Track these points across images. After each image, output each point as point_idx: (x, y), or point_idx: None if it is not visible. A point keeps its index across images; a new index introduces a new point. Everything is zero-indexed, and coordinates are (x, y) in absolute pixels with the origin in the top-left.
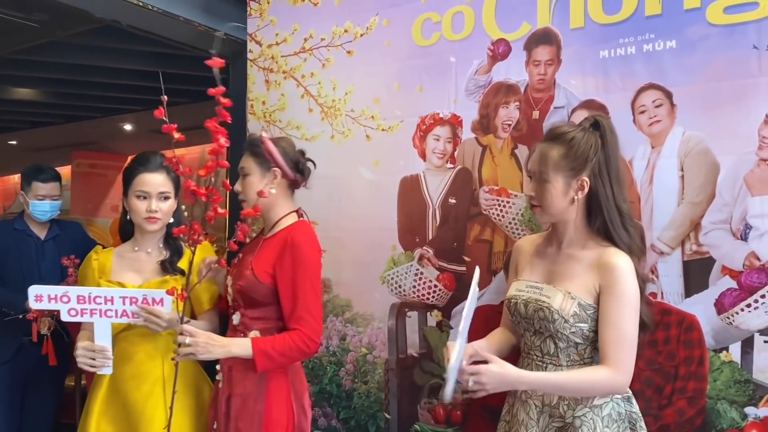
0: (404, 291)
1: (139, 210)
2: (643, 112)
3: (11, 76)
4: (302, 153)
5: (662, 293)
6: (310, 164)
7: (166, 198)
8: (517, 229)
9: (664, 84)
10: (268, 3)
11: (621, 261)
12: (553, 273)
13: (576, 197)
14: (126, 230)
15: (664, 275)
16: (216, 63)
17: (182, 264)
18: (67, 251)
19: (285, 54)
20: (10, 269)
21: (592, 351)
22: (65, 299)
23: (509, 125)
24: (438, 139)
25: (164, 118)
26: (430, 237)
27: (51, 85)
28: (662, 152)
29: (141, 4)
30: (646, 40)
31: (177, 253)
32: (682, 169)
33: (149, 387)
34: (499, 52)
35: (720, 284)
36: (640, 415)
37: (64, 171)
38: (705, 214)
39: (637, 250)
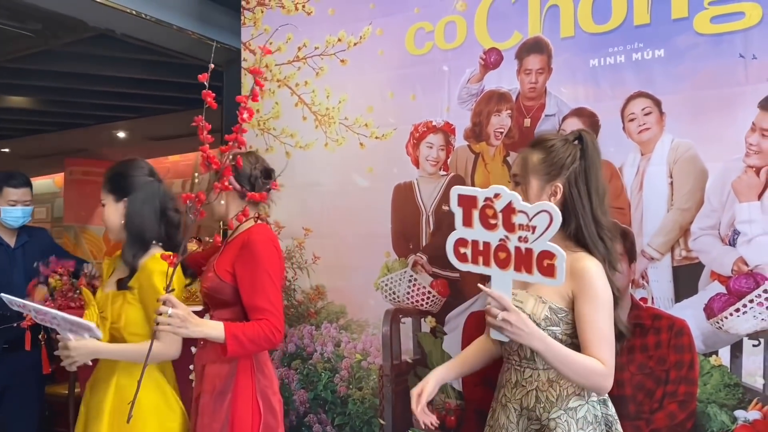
0: (398, 297)
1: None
2: (632, 120)
3: (5, 84)
4: (264, 171)
5: (653, 298)
6: (264, 182)
7: (103, 206)
8: None
9: (653, 92)
10: (262, 12)
11: (591, 265)
12: None
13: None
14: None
15: (654, 280)
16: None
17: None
18: (36, 258)
19: (279, 63)
20: None
21: None
22: (27, 310)
23: (501, 133)
24: (431, 147)
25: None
26: (424, 243)
27: (44, 93)
28: (652, 159)
29: (135, 12)
30: (635, 48)
31: (129, 267)
32: (671, 176)
33: (98, 398)
34: (491, 61)
35: (709, 289)
36: (617, 417)
37: (57, 178)
38: (694, 220)
39: (614, 261)
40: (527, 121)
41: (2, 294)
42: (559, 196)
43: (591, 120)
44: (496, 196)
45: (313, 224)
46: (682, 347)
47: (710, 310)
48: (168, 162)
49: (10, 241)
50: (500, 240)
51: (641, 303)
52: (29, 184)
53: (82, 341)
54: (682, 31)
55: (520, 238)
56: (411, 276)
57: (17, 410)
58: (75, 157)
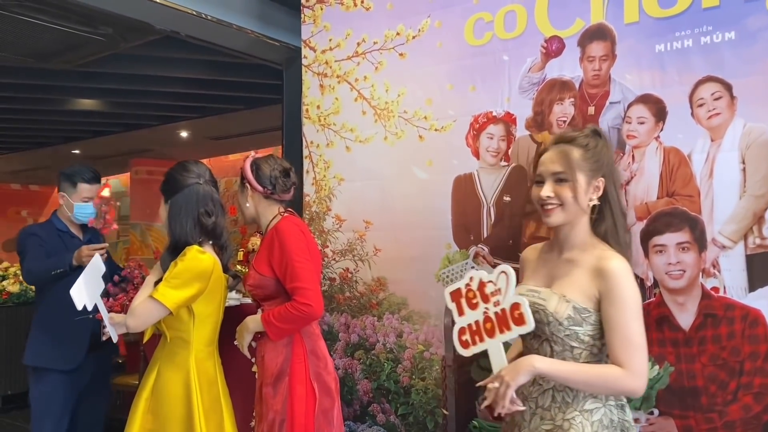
0: None
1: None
2: (701, 105)
3: (76, 87)
4: (283, 170)
5: (725, 288)
6: (288, 180)
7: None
8: None
9: (722, 76)
10: (322, 9)
11: (618, 265)
12: (553, 277)
13: (592, 198)
14: None
15: (726, 269)
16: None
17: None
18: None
19: (338, 59)
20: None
21: (588, 356)
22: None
23: (564, 121)
24: (492, 138)
25: None
26: (485, 235)
27: (112, 95)
28: (722, 145)
29: (196, 13)
30: (703, 32)
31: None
32: (743, 162)
33: (143, 382)
34: (553, 49)
35: None
36: (633, 424)
37: (123, 178)
38: None
39: (629, 258)
40: (591, 109)
41: (72, 291)
42: (601, 191)
43: (657, 106)
44: (471, 279)
45: (373, 217)
46: (757, 338)
47: None
48: (228, 161)
49: (78, 233)
50: (484, 313)
51: (712, 292)
52: (100, 180)
53: None
54: (754, 12)
55: (494, 303)
56: (472, 267)
57: (90, 409)
58: (140, 157)
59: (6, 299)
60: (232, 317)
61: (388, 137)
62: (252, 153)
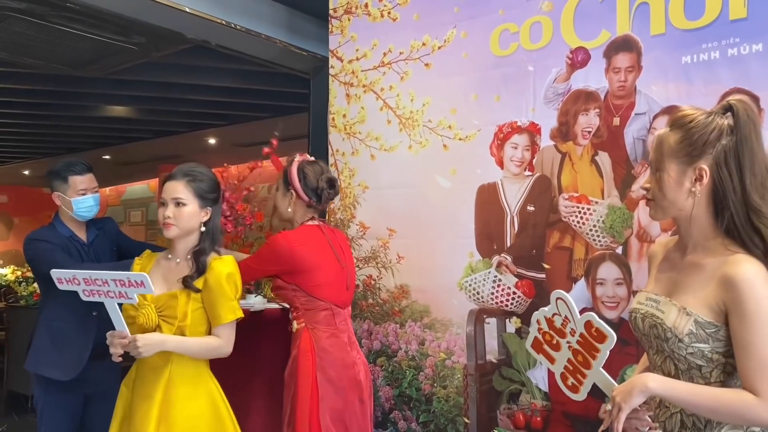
0: (482, 297)
1: (159, 216)
2: None
3: (108, 95)
4: (329, 181)
5: None
6: (332, 192)
7: (181, 205)
8: (598, 236)
9: (749, 88)
10: (349, 20)
11: (744, 272)
12: (675, 283)
13: (694, 189)
14: None
15: None
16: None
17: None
18: (109, 252)
19: (365, 68)
20: None
21: (721, 375)
22: (76, 281)
23: (589, 132)
24: (516, 147)
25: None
26: (509, 244)
27: (142, 102)
28: None
29: (225, 23)
30: (730, 44)
31: (197, 270)
32: None
33: (147, 391)
34: (578, 60)
35: None
36: None
37: (152, 183)
38: None
39: (759, 254)
40: (616, 120)
41: (52, 270)
42: (705, 179)
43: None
44: (538, 322)
45: (397, 225)
46: None
47: None
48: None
49: (82, 235)
50: (569, 349)
51: None
52: (92, 169)
53: (148, 335)
54: None
55: (571, 333)
56: (495, 276)
57: (98, 418)
58: (168, 163)
59: (36, 300)
60: (256, 322)
61: (412, 146)
62: (297, 156)
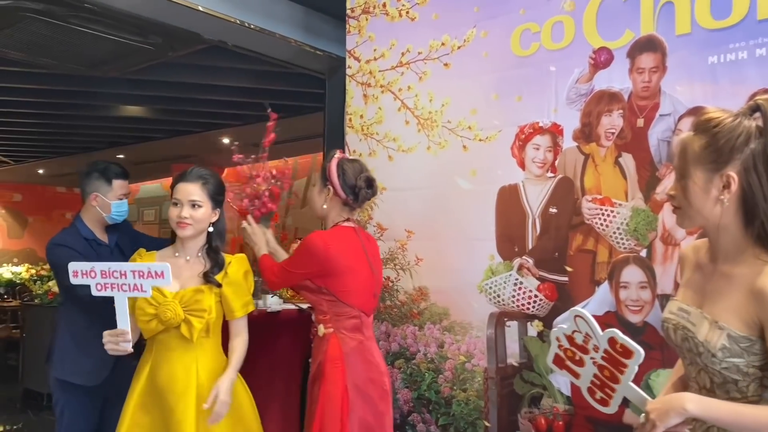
0: (503, 300)
1: (171, 215)
2: None
3: (123, 94)
4: (367, 180)
5: None
6: (370, 191)
7: (197, 206)
8: (621, 238)
9: None
10: (367, 20)
11: None
12: (705, 293)
13: (722, 197)
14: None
15: None
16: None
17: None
18: (129, 252)
19: (382, 68)
20: None
21: (758, 388)
22: (93, 274)
23: (613, 133)
24: (538, 148)
25: None
26: (530, 247)
27: (157, 102)
28: None
29: (240, 22)
30: (759, 44)
31: (217, 266)
32: None
33: (182, 388)
34: (602, 60)
35: None
36: None
37: (165, 183)
38: None
39: None
40: (640, 121)
41: (70, 263)
42: (734, 187)
43: None
44: (558, 339)
45: (415, 226)
46: None
47: None
48: (267, 167)
49: (104, 237)
50: (593, 364)
51: None
52: (129, 175)
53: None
54: None
55: (594, 349)
56: (517, 279)
57: (114, 408)
58: (181, 162)
59: (51, 299)
60: (273, 323)
61: (431, 147)
62: (337, 153)
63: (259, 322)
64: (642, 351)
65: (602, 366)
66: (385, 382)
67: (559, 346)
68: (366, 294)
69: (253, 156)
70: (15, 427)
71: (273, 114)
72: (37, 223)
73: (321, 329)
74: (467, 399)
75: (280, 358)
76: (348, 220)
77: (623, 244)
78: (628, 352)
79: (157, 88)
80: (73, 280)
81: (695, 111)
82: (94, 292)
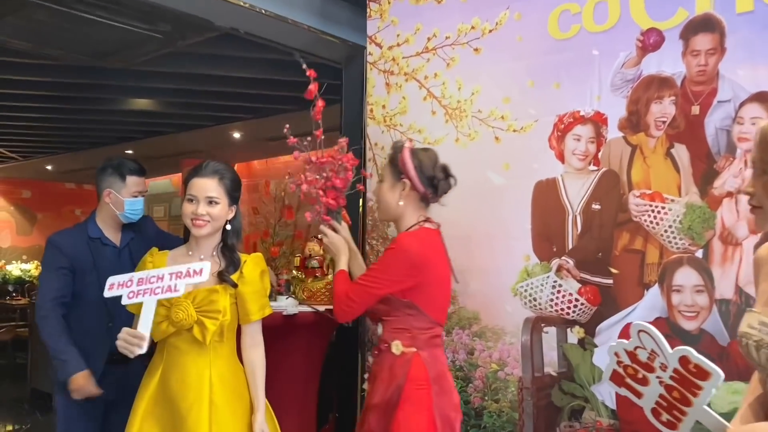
0: (540, 304)
1: (186, 212)
2: None
3: (131, 87)
4: (444, 169)
5: None
6: (449, 181)
7: (214, 203)
8: (674, 238)
9: None
10: (389, 3)
11: None
12: None
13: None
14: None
15: None
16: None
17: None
18: (139, 257)
19: (407, 55)
20: (89, 285)
21: None
22: (129, 284)
23: (664, 122)
24: (579, 139)
25: None
26: (570, 246)
27: (166, 94)
28: None
29: (252, 7)
30: None
31: (232, 264)
32: None
33: (195, 395)
34: (650, 42)
35: None
36: None
37: (175, 178)
38: None
39: None
40: (695, 109)
41: (110, 278)
42: None
43: None
44: (617, 355)
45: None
46: None
47: None
48: (279, 162)
49: (116, 239)
50: (660, 383)
51: None
52: (146, 172)
53: None
54: None
55: (661, 368)
56: (555, 281)
57: (118, 413)
58: (191, 158)
59: None
60: (289, 326)
61: (460, 139)
62: (407, 141)
63: (275, 325)
64: (721, 373)
65: (670, 387)
66: (459, 418)
67: (618, 363)
68: (446, 306)
69: (308, 138)
70: (23, 427)
71: (311, 72)
72: (47, 219)
73: (397, 346)
74: (500, 410)
75: (297, 362)
76: (428, 220)
77: (676, 243)
78: (704, 373)
79: (166, 79)
80: (107, 293)
81: (760, 96)
82: (125, 301)
